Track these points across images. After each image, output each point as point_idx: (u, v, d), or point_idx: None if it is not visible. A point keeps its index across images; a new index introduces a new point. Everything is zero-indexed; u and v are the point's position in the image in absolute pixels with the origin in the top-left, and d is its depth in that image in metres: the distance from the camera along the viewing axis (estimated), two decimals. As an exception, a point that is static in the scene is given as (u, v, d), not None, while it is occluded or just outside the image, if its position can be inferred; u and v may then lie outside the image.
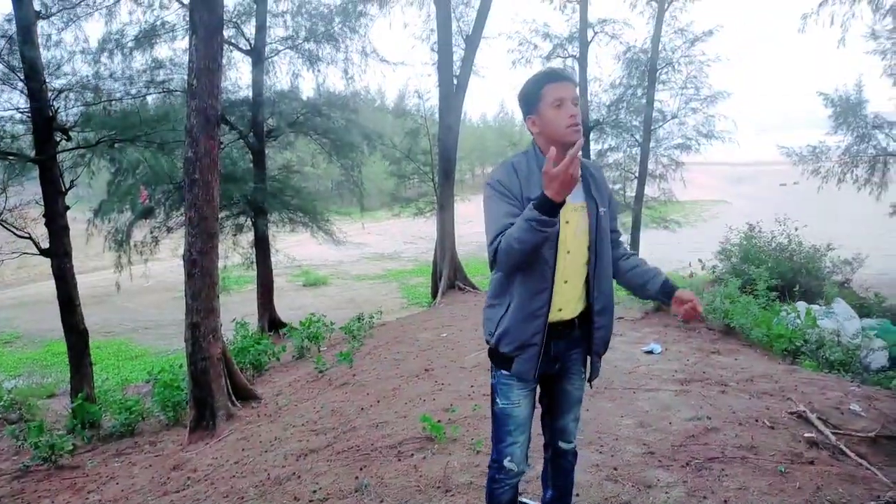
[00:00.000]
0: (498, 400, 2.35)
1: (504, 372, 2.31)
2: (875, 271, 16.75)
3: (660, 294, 2.30)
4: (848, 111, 15.45)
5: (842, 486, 3.15)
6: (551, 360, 2.31)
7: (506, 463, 2.35)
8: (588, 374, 2.44)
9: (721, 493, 3.10)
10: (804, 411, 4.15)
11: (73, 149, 9.56)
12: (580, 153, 1.92)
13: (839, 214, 29.16)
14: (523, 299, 2.20)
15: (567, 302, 2.26)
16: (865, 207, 18.10)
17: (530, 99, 2.19)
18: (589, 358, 2.41)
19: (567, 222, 2.20)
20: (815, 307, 8.63)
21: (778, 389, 4.80)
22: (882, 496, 2.90)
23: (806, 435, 3.81)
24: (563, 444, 2.51)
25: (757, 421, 4.07)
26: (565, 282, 2.23)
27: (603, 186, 2.33)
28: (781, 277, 11.46)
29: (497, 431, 2.38)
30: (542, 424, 2.56)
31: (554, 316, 2.24)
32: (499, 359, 2.32)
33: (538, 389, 2.45)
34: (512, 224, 2.01)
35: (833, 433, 3.87)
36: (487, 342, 2.36)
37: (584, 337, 2.36)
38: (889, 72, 15.20)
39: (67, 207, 8.60)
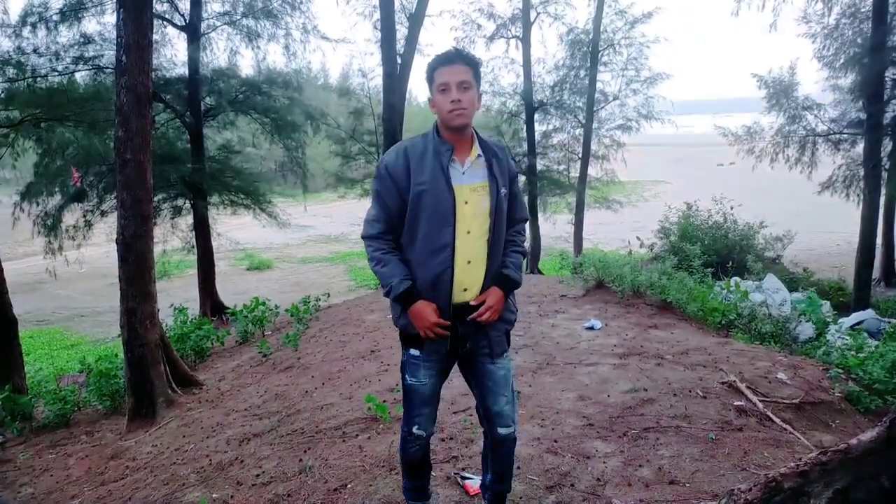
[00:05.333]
0: (406, 377, 2.45)
1: (413, 352, 2.39)
2: (805, 247, 17.54)
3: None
4: (780, 93, 15.98)
5: (767, 451, 3.32)
6: (460, 339, 2.34)
7: (414, 430, 2.50)
8: (491, 350, 2.40)
9: (655, 462, 3.21)
10: (735, 381, 4.33)
11: (-6, 128, 9.08)
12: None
13: (773, 193, 30.32)
14: (427, 280, 2.26)
15: (474, 282, 2.31)
16: (799, 186, 18.85)
17: (428, 82, 2.30)
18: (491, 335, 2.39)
19: (466, 203, 2.25)
20: (747, 282, 8.96)
21: (711, 361, 4.99)
22: (803, 458, 3.06)
23: (736, 403, 3.99)
24: (501, 430, 2.47)
25: (690, 391, 4.22)
26: (468, 262, 2.27)
27: (505, 167, 2.37)
28: (717, 254, 11.87)
29: (405, 404, 2.51)
30: (477, 414, 2.59)
31: (460, 296, 2.29)
32: (411, 339, 2.39)
33: (453, 367, 2.51)
34: (384, 215, 2.29)
35: (761, 401, 4.05)
36: (396, 324, 2.42)
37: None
38: (818, 55, 15.80)
39: (-10, 190, 8.17)
